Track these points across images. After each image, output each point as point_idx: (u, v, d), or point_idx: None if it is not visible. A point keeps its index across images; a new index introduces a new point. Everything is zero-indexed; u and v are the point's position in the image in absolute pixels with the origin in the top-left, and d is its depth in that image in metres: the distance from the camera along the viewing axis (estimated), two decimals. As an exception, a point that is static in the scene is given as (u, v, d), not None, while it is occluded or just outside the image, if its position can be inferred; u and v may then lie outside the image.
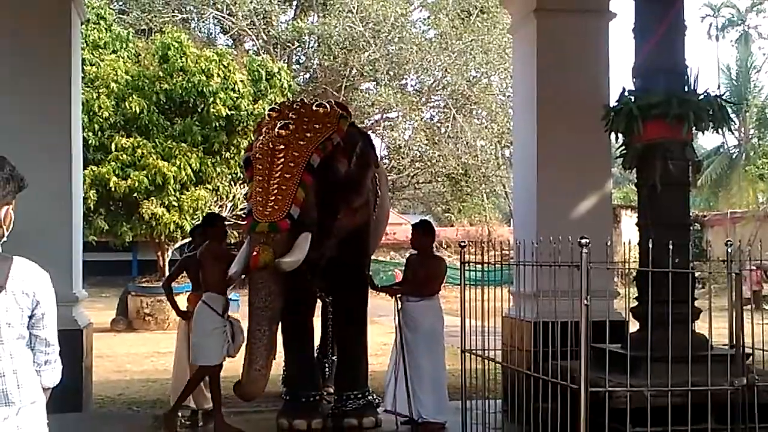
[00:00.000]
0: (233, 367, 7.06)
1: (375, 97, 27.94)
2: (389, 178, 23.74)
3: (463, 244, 6.71)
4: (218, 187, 18.57)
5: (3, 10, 7.43)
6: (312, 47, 30.21)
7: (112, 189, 17.28)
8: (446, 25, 27.77)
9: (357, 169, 6.67)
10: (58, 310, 2.88)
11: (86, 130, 16.12)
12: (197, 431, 7.33)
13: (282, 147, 6.21)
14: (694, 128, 6.16)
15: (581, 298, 4.98)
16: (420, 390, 7.19)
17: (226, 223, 7.99)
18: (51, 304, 2.81)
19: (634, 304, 6.22)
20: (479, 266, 6.56)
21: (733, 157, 36.58)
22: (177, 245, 19.08)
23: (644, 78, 6.30)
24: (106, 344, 14.07)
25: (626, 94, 6.30)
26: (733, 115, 6.53)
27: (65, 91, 7.67)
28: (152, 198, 17.63)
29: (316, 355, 8.06)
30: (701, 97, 6.13)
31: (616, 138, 6.57)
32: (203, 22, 30.52)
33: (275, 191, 6.06)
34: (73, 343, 6.87)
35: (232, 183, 18.85)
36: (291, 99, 15.01)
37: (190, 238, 7.97)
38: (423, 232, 7.56)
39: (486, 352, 6.36)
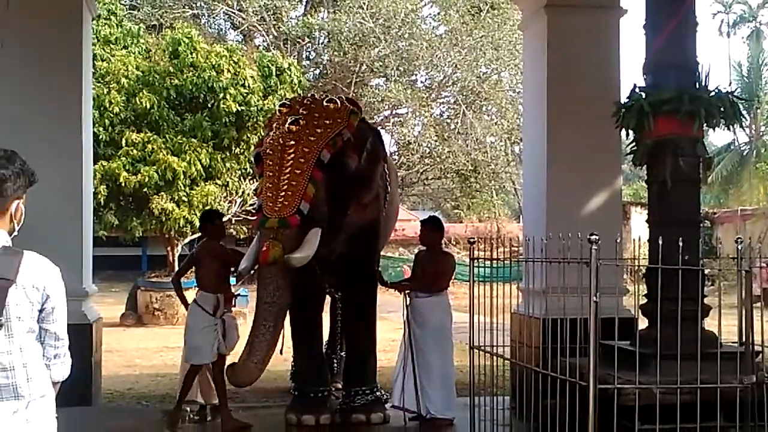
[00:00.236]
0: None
1: (385, 93, 27.89)
2: (398, 174, 23.71)
3: (472, 240, 6.70)
4: (228, 182, 18.62)
5: (14, 5, 7.45)
6: (322, 43, 30.19)
7: (123, 184, 17.35)
8: (456, 21, 27.70)
9: (367, 165, 6.67)
10: (68, 305, 2.89)
11: (97, 125, 16.18)
12: (205, 426, 7.34)
13: (292, 143, 6.21)
14: (705, 125, 6.12)
15: (590, 294, 4.97)
16: (428, 386, 7.20)
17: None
18: (61, 298, 2.82)
19: (644, 301, 6.20)
20: (488, 262, 6.56)
21: (744, 154, 36.37)
22: (186, 240, 19.16)
23: (655, 74, 6.27)
24: (116, 339, 14.13)
25: (637, 90, 6.27)
26: (744, 112, 6.47)
27: (76, 87, 7.69)
28: (162, 193, 17.69)
29: (324, 350, 8.07)
30: (712, 93, 6.09)
31: (627, 134, 6.54)
32: (214, 17, 30.52)
33: (285, 187, 6.06)
34: (82, 338, 6.91)
35: (242, 178, 18.90)
36: (301, 95, 15.02)
37: (200, 233, 7.99)
38: (432, 228, 7.56)
39: (494, 348, 6.35)
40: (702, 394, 5.23)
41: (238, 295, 10.75)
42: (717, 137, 45.61)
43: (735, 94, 6.31)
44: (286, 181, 6.07)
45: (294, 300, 6.28)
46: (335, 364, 8.31)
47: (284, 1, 28.24)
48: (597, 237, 5.01)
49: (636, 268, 6.72)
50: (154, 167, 17.42)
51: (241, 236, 21.73)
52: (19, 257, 2.72)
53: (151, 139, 17.72)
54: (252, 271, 6.48)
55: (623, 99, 6.55)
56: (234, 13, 28.75)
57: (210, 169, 18.25)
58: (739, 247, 5.32)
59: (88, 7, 8.10)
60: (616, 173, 8.40)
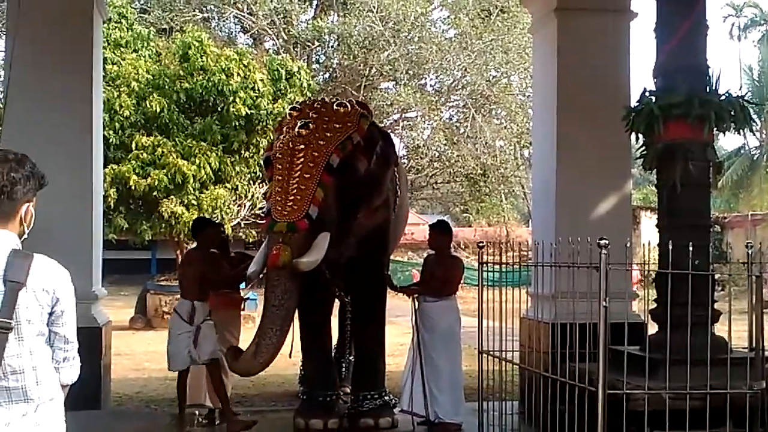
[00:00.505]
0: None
1: (394, 97, 27.92)
2: (408, 177, 23.70)
3: (481, 244, 6.70)
4: (237, 186, 18.65)
5: (25, 9, 7.48)
6: (332, 46, 30.23)
7: (132, 187, 17.40)
8: (466, 24, 27.70)
9: (377, 169, 6.65)
10: (78, 308, 2.88)
11: (107, 128, 16.24)
12: (214, 429, 7.35)
13: (302, 146, 6.20)
14: (715, 129, 6.10)
15: (600, 299, 4.96)
16: (437, 390, 7.19)
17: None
18: (70, 301, 2.82)
19: (653, 306, 6.18)
20: (497, 267, 6.55)
21: (755, 158, 36.26)
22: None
23: (665, 78, 6.25)
24: (125, 342, 14.15)
25: (647, 94, 6.25)
26: (754, 116, 6.46)
27: (86, 90, 7.71)
28: (172, 197, 17.73)
29: (333, 354, 8.06)
30: (723, 97, 6.07)
31: (637, 138, 6.52)
32: (224, 21, 30.62)
33: (294, 191, 6.05)
34: (91, 341, 6.91)
35: (251, 182, 18.93)
36: (311, 98, 15.04)
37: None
38: (440, 232, 7.56)
39: (503, 353, 6.34)
40: (711, 400, 5.21)
41: (247, 298, 10.74)
42: (727, 141, 45.52)
43: (745, 98, 6.29)
44: (296, 185, 6.07)
45: (303, 304, 6.28)
46: (344, 368, 8.30)
47: (294, 5, 28.29)
48: (606, 241, 5.01)
49: (646, 272, 6.70)
50: (164, 171, 17.47)
51: (250, 240, 21.76)
52: (29, 260, 2.72)
53: (161, 142, 17.77)
54: (261, 275, 6.48)
55: (633, 103, 6.54)
56: (244, 16, 28.81)
57: (219, 173, 18.29)
58: (750, 252, 5.30)
59: (99, 11, 8.12)
60: (625, 177, 8.37)
